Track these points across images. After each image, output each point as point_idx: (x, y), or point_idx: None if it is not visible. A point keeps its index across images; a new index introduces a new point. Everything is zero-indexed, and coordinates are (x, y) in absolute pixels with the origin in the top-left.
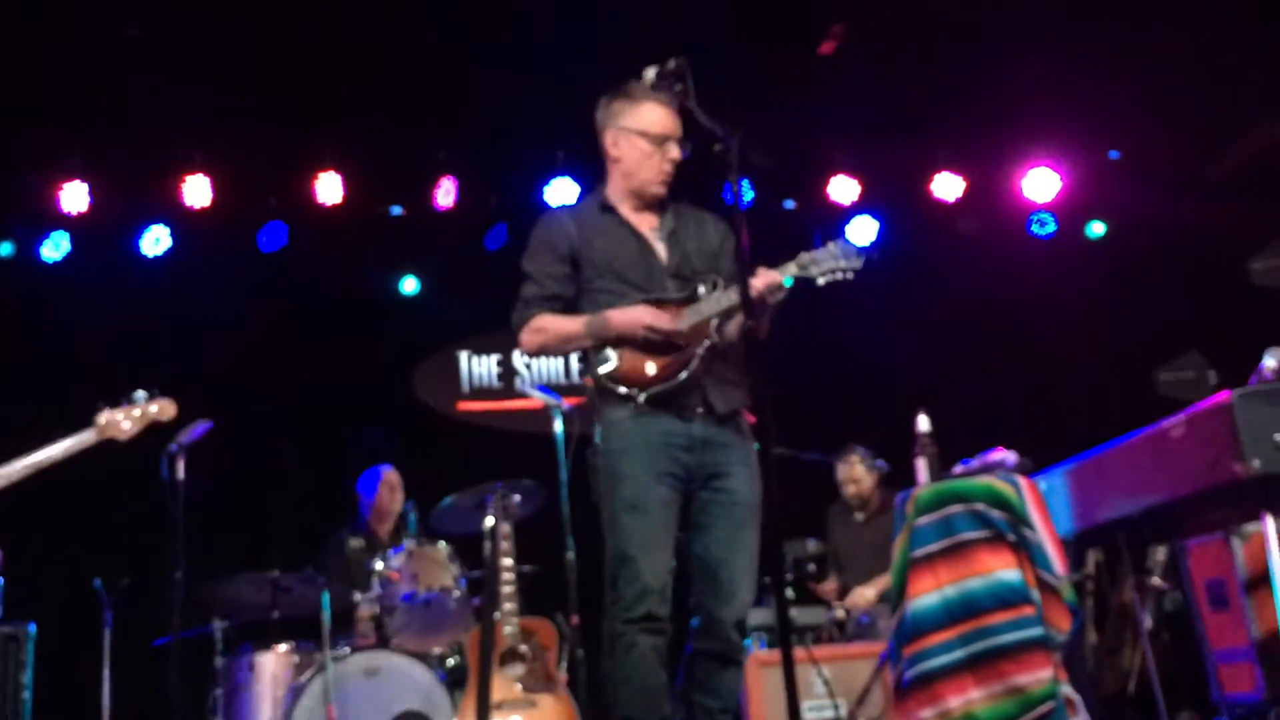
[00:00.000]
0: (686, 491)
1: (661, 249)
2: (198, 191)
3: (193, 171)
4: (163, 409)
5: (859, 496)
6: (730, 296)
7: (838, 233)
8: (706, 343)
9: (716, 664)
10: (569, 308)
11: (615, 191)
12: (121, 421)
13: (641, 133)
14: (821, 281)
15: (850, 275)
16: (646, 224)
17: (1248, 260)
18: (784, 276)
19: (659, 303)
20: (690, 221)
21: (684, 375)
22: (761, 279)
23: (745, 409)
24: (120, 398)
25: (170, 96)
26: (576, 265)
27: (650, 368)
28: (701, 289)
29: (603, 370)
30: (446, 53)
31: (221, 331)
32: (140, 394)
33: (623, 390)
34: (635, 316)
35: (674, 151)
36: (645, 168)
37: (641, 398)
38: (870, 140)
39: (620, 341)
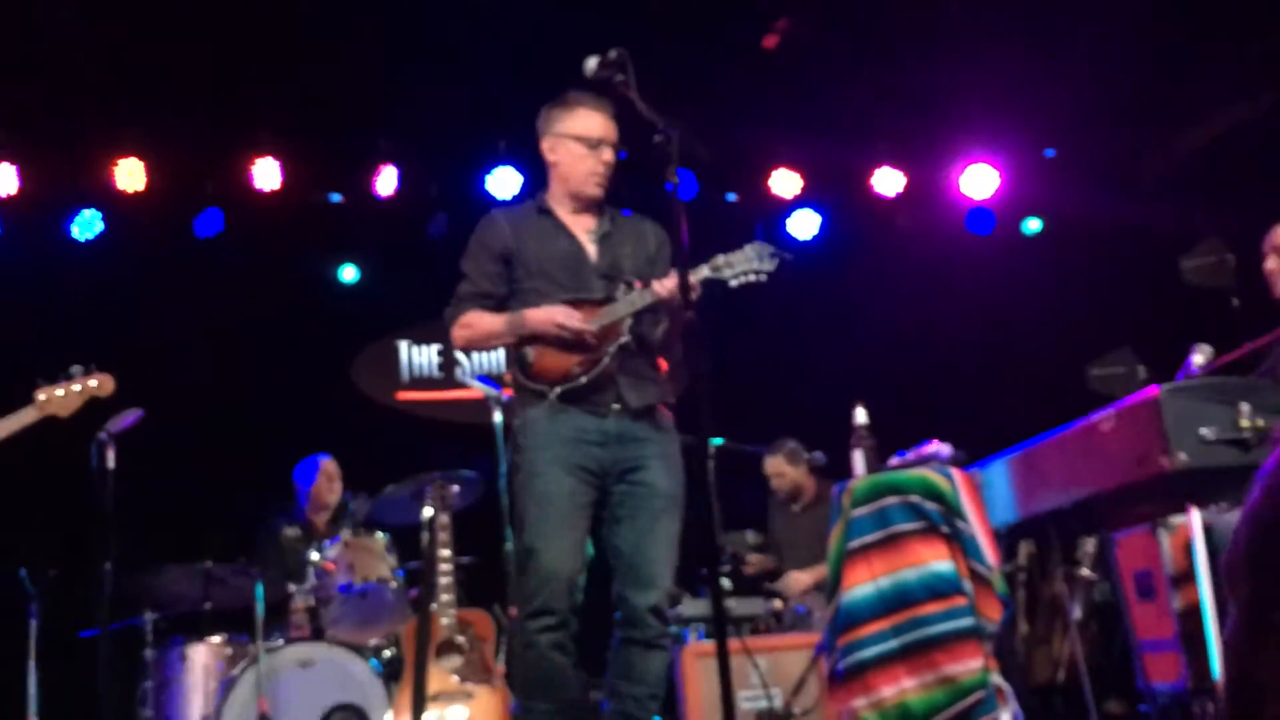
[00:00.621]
0: (602, 486)
1: (593, 250)
2: (131, 175)
3: (126, 154)
4: (102, 383)
5: (784, 490)
6: (645, 297)
7: (779, 226)
8: (619, 341)
9: (640, 650)
10: (500, 305)
11: (554, 195)
12: (61, 398)
13: (576, 137)
14: (734, 284)
15: (763, 278)
16: (582, 226)
17: (1179, 258)
18: (697, 278)
19: (577, 303)
20: (627, 226)
21: (595, 372)
22: (672, 280)
23: (663, 404)
24: (57, 374)
25: (103, 77)
26: (509, 265)
27: (563, 364)
28: (618, 291)
29: (520, 366)
30: (388, 39)
31: (154, 318)
32: (77, 369)
33: (537, 386)
34: (548, 315)
35: (607, 155)
36: (579, 170)
37: (554, 394)
38: (813, 134)
39: (537, 339)
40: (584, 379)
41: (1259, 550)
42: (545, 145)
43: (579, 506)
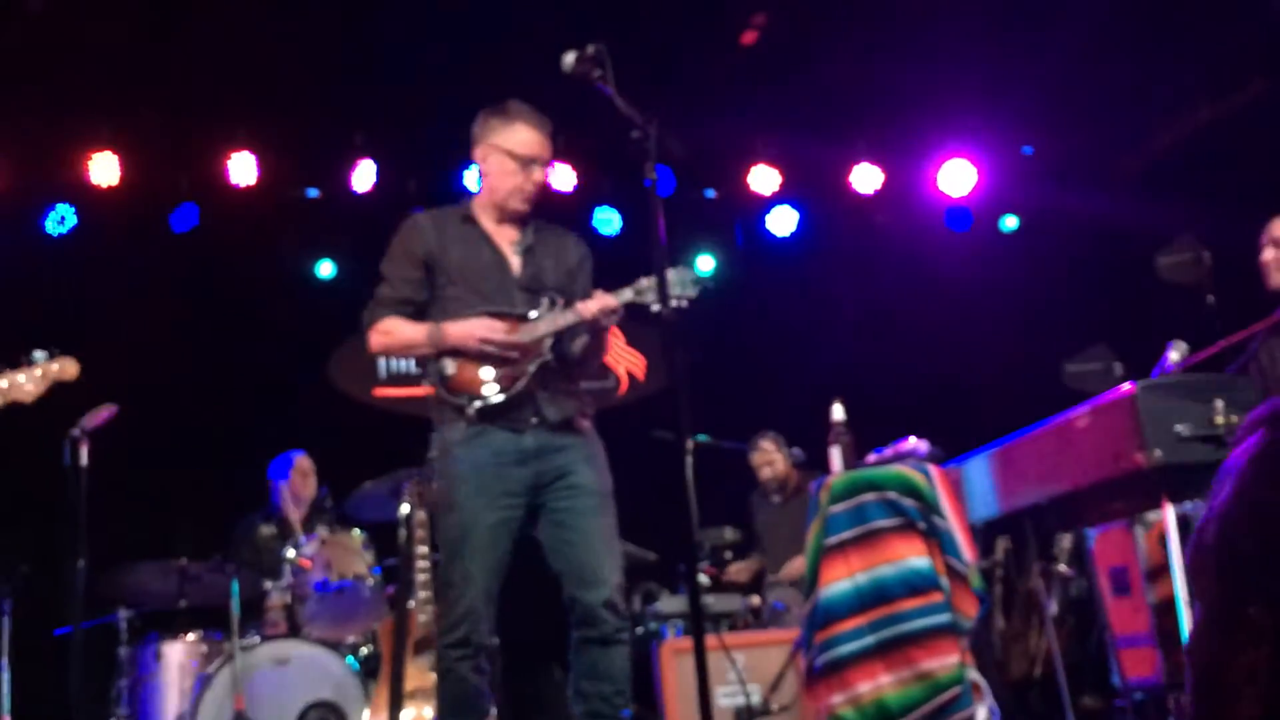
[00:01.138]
0: (531, 503)
1: (516, 262)
2: (105, 170)
3: (100, 149)
4: (65, 367)
5: (775, 479)
6: (566, 317)
7: (758, 223)
8: (540, 360)
9: (598, 647)
10: (420, 312)
11: (480, 203)
12: (24, 383)
13: (509, 152)
14: (656, 308)
15: (684, 304)
16: (505, 237)
17: (1155, 255)
18: (620, 301)
19: (499, 316)
20: (550, 239)
21: (515, 390)
22: (596, 302)
23: (582, 415)
24: (20, 359)
25: (76, 70)
26: (431, 271)
27: (482, 380)
28: (534, 312)
29: (439, 378)
30: (364, 32)
31: (129, 314)
32: (40, 354)
33: (456, 399)
34: (470, 330)
35: (538, 174)
36: (507, 185)
37: (473, 409)
38: (791, 130)
39: (458, 352)
40: (504, 396)
41: (1231, 546)
42: (478, 153)
43: (500, 539)
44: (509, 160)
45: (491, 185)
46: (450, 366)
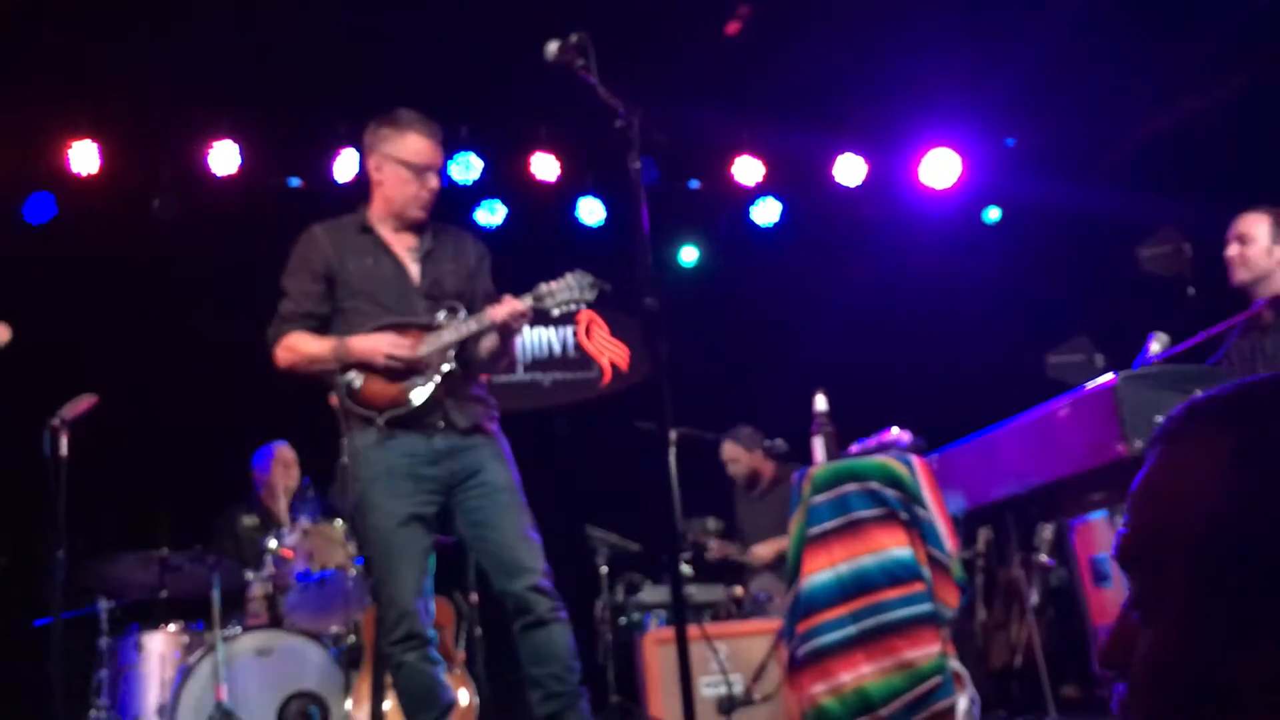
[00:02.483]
0: (446, 502)
1: (415, 270)
2: (85, 158)
3: (80, 137)
4: None
5: (740, 476)
6: (470, 325)
7: (742, 214)
8: (445, 368)
9: (539, 630)
10: (323, 325)
11: (376, 213)
12: None
13: (403, 162)
14: (556, 313)
15: (583, 306)
16: (403, 245)
17: (1136, 247)
18: (523, 306)
19: (402, 328)
20: (448, 243)
21: (423, 399)
22: (505, 308)
23: (486, 420)
24: None
25: (55, 57)
26: (331, 284)
27: (390, 391)
28: (442, 315)
29: (346, 392)
30: (349, 21)
31: (109, 303)
32: None
33: (365, 411)
34: (374, 344)
35: (433, 181)
36: (404, 195)
37: (381, 419)
38: (775, 121)
39: (363, 365)
40: (410, 405)
41: (1231, 542)
42: (371, 163)
43: (419, 534)
44: (404, 169)
45: (387, 195)
46: (357, 380)
